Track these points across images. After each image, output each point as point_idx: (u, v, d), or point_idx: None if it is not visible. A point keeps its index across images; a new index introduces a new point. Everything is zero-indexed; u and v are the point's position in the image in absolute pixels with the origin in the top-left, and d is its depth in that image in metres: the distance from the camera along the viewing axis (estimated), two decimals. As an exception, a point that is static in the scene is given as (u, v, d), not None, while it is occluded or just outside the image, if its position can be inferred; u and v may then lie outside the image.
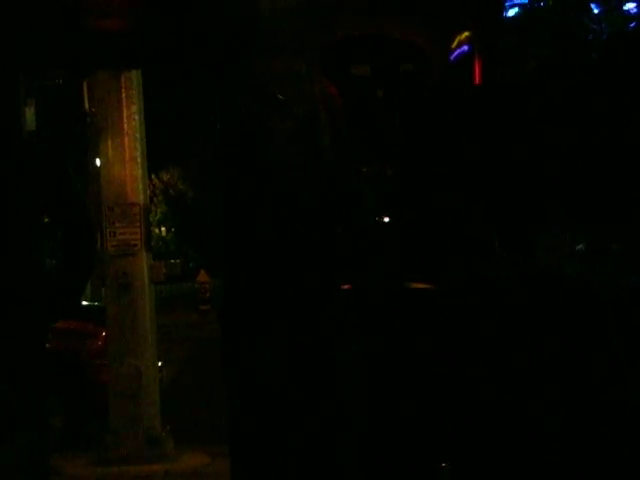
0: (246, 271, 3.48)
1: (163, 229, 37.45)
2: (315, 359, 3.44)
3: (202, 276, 21.53)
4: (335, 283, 3.53)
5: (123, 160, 6.48)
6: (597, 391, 3.62)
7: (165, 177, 34.30)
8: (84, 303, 13.26)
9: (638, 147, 4.56)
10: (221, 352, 3.69)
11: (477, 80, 5.09)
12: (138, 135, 6.52)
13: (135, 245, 6.55)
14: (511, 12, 5.37)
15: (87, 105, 9.62)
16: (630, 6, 5.31)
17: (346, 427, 3.51)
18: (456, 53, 5.28)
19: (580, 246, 4.50)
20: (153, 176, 32.37)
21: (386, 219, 5.13)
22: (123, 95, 6.41)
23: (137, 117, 6.49)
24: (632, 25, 5.23)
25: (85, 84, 8.51)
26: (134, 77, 6.40)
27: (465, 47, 5.25)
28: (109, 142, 6.48)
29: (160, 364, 7.42)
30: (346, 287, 4.02)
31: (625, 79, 4.65)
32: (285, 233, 3.40)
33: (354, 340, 3.56)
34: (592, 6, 5.33)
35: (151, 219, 6.78)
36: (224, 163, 3.54)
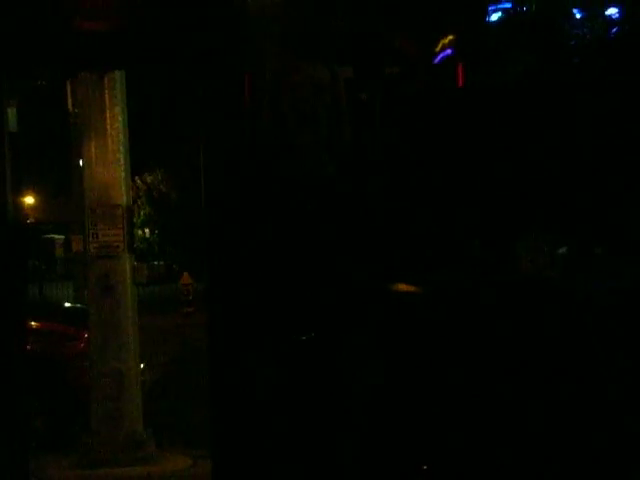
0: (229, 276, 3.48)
1: (147, 231, 37.36)
2: (297, 365, 3.44)
3: (185, 278, 21.49)
4: (323, 285, 3.53)
5: (106, 161, 6.46)
6: (578, 392, 3.63)
7: (149, 179, 34.21)
8: (66, 305, 13.21)
9: (621, 151, 4.59)
10: (208, 358, 3.69)
11: (460, 84, 5.10)
12: (121, 136, 6.50)
13: (118, 247, 6.53)
14: (494, 16, 5.39)
15: (70, 106, 9.58)
16: (612, 11, 5.33)
17: (326, 431, 3.52)
18: (440, 56, 5.29)
19: (563, 249, 4.52)
20: (137, 178, 32.30)
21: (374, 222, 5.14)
22: (106, 96, 6.39)
23: (120, 118, 6.47)
24: (614, 30, 5.26)
25: (69, 85, 8.47)
26: (117, 78, 6.38)
27: (449, 51, 5.26)
28: (92, 143, 6.46)
29: (142, 366, 7.39)
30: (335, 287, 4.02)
31: (607, 84, 4.68)
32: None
33: (344, 343, 3.56)
34: (574, 11, 5.35)
35: (135, 221, 6.75)
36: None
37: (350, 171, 3.52)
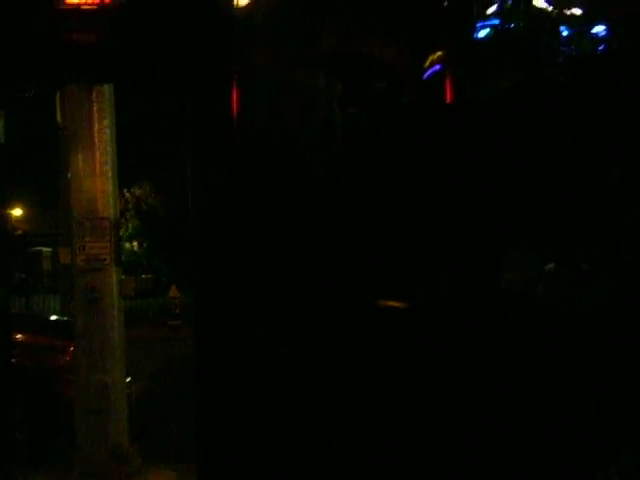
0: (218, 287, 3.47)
1: (135, 244, 37.28)
2: (283, 378, 3.43)
3: (173, 291, 21.48)
4: (308, 299, 3.53)
5: (94, 174, 6.46)
6: (560, 411, 3.64)
7: (137, 192, 34.17)
8: (53, 317, 13.15)
9: (609, 166, 4.61)
10: (194, 370, 3.68)
11: (448, 99, 5.13)
12: (109, 149, 6.50)
13: (105, 260, 6.51)
14: (482, 33, 5.42)
15: (59, 118, 9.58)
16: (599, 29, 5.37)
17: (312, 440, 3.51)
18: (429, 72, 5.31)
19: (550, 265, 4.53)
20: (125, 191, 32.26)
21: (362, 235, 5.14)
22: (94, 109, 6.39)
23: (108, 131, 6.47)
24: (601, 48, 5.30)
25: (58, 97, 8.48)
26: (106, 91, 6.38)
27: (437, 66, 5.29)
28: (80, 156, 6.46)
29: (128, 380, 7.36)
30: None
31: (593, 102, 4.70)
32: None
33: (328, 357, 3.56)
34: (561, 29, 5.38)
35: (123, 234, 6.70)
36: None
37: (340, 178, 3.53)
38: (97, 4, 5.82)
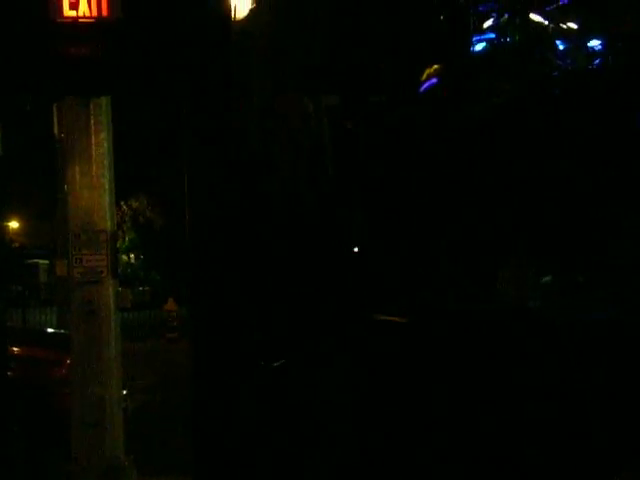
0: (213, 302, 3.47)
1: (132, 256, 37.27)
2: (280, 395, 3.43)
3: (170, 304, 21.46)
4: (303, 316, 3.53)
5: (91, 187, 6.45)
6: (556, 422, 3.63)
7: (134, 204, 34.18)
8: (49, 330, 13.13)
9: (602, 179, 4.62)
10: (191, 385, 3.67)
11: (445, 114, 5.14)
12: (106, 162, 6.49)
13: (101, 272, 6.50)
14: (478, 47, 5.43)
15: (56, 130, 9.59)
16: (595, 43, 5.39)
17: (309, 459, 3.50)
18: (425, 85, 5.33)
19: (547, 278, 4.52)
20: (122, 203, 32.27)
21: (355, 249, 5.15)
22: (92, 121, 6.39)
23: (105, 144, 6.46)
24: (596, 62, 5.32)
25: (55, 109, 8.49)
26: (103, 104, 6.38)
27: (434, 80, 5.30)
28: (77, 168, 6.45)
29: (125, 392, 7.34)
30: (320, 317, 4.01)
31: (589, 114, 4.72)
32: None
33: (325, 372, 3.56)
34: (557, 43, 5.40)
35: (120, 246, 6.68)
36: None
37: (330, 202, 3.54)
38: (95, 17, 5.83)
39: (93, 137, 6.41)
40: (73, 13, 5.86)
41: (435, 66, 5.34)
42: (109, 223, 6.54)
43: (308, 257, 3.39)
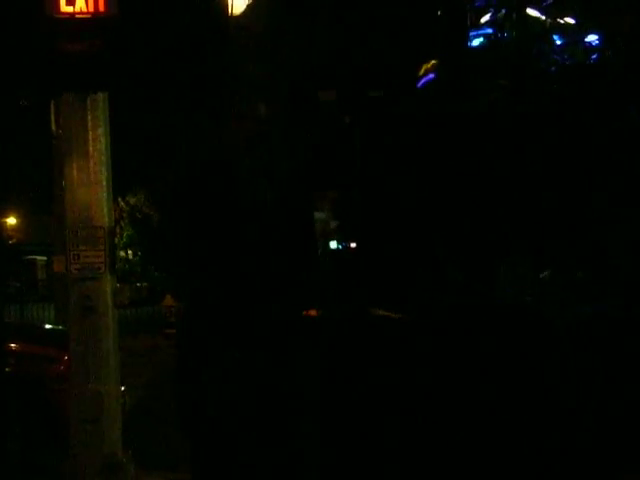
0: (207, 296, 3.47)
1: (130, 252, 37.25)
2: (271, 386, 3.43)
3: (168, 300, 21.45)
4: (296, 310, 3.52)
5: (88, 183, 6.44)
6: (551, 417, 3.63)
7: (132, 200, 34.16)
8: (47, 326, 13.11)
9: (600, 175, 4.62)
10: (176, 379, 3.67)
11: (442, 110, 5.13)
12: (104, 158, 6.49)
13: (99, 268, 6.50)
14: (476, 42, 5.43)
15: (54, 126, 9.58)
16: (592, 38, 5.39)
17: (303, 452, 3.50)
18: (423, 81, 5.33)
19: (545, 273, 4.53)
20: (120, 199, 32.24)
21: (352, 245, 5.14)
22: (89, 117, 6.38)
23: (103, 139, 6.46)
24: (594, 57, 5.31)
25: (53, 105, 8.48)
26: (100, 99, 6.37)
27: (431, 75, 5.30)
28: (74, 164, 6.44)
29: (123, 388, 7.34)
30: (312, 313, 4.01)
31: (586, 110, 4.72)
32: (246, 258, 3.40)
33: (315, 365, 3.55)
34: (555, 38, 5.40)
35: (117, 242, 6.68)
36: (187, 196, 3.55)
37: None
38: (91, 13, 5.83)
39: (90, 133, 6.41)
40: (70, 9, 5.85)
41: (432, 61, 5.33)
42: (107, 219, 6.54)
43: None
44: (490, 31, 5.45)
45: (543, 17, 5.52)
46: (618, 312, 3.97)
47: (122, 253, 34.19)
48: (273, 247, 3.40)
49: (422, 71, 5.32)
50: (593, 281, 4.47)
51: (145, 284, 34.52)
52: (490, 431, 3.64)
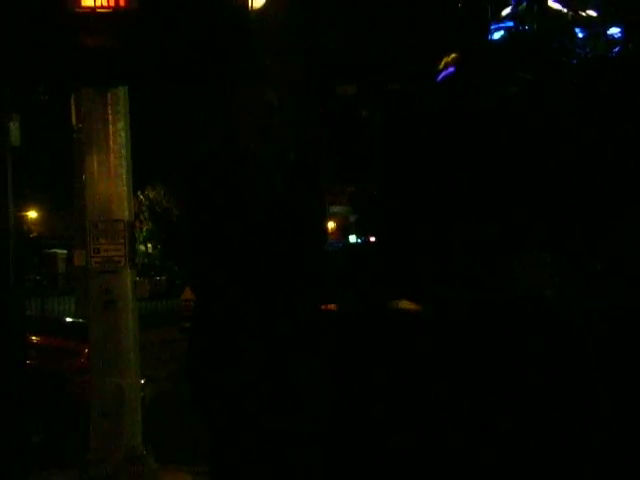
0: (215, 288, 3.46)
1: (149, 246, 37.42)
2: (285, 378, 3.42)
3: (187, 293, 21.48)
4: (310, 304, 3.50)
5: (108, 177, 6.47)
6: (574, 415, 3.61)
7: (151, 194, 34.29)
8: (67, 319, 13.20)
9: (620, 168, 4.59)
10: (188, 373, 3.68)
11: (462, 103, 5.11)
12: (124, 152, 6.51)
13: (119, 262, 6.52)
14: (497, 35, 5.40)
15: (74, 121, 9.61)
16: (614, 31, 5.34)
17: (315, 443, 3.50)
18: (442, 75, 5.30)
19: (563, 266, 4.51)
20: (139, 193, 32.37)
21: (372, 239, 5.14)
22: (109, 111, 6.40)
23: (123, 134, 6.48)
24: (616, 50, 5.27)
25: (73, 100, 8.51)
26: (121, 94, 6.39)
27: (451, 69, 5.27)
28: (94, 158, 6.47)
29: (143, 382, 7.37)
30: (330, 307, 4.00)
31: (608, 103, 4.68)
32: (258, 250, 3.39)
33: (328, 358, 3.55)
34: (577, 31, 5.36)
35: (137, 236, 6.73)
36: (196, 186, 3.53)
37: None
38: (112, 7, 5.84)
39: (111, 127, 6.43)
40: (91, 3, 5.86)
41: (453, 55, 5.30)
42: (127, 213, 6.57)
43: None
44: (511, 24, 5.42)
45: (565, 10, 5.49)
46: (636, 306, 3.94)
47: (142, 247, 34.34)
48: (282, 238, 3.39)
49: (442, 64, 5.30)
50: (611, 274, 4.43)
51: (164, 277, 34.65)
52: (521, 437, 3.62)
